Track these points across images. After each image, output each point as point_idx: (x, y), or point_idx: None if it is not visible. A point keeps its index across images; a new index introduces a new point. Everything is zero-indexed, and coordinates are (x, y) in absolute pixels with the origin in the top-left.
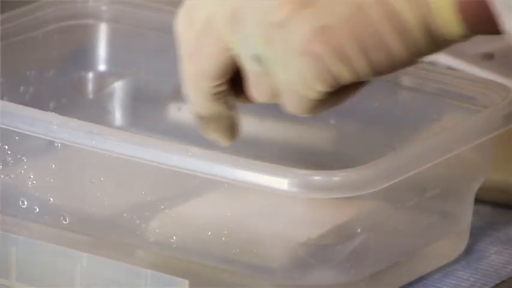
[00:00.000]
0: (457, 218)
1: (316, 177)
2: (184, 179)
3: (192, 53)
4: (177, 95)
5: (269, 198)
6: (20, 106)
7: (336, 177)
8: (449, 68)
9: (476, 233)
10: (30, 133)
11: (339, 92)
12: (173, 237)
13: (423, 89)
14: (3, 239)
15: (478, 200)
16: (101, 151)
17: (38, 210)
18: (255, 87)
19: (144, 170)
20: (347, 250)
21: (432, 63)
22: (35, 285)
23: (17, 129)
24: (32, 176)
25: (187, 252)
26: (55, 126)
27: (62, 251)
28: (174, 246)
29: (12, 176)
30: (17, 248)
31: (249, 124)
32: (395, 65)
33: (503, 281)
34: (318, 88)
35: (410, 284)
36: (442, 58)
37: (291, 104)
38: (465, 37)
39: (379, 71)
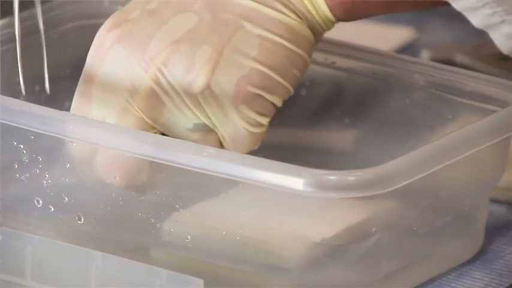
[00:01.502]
0: (472, 218)
1: (331, 177)
2: (200, 178)
3: None
4: None
5: (284, 198)
6: (35, 105)
7: (351, 177)
8: (465, 67)
9: (492, 233)
10: (45, 132)
11: None
12: (188, 237)
13: (438, 89)
14: (19, 238)
15: (493, 200)
16: (116, 150)
17: (53, 209)
18: None
19: (159, 169)
20: (362, 250)
21: (448, 63)
22: (50, 284)
23: (32, 129)
24: (47, 175)
25: (202, 251)
26: (70, 126)
27: (77, 250)
28: (189, 245)
29: (28, 175)
30: (32, 247)
31: None
32: (303, 73)
33: None
34: (265, 121)
35: (425, 284)
36: (458, 58)
37: (239, 146)
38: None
39: (294, 84)
